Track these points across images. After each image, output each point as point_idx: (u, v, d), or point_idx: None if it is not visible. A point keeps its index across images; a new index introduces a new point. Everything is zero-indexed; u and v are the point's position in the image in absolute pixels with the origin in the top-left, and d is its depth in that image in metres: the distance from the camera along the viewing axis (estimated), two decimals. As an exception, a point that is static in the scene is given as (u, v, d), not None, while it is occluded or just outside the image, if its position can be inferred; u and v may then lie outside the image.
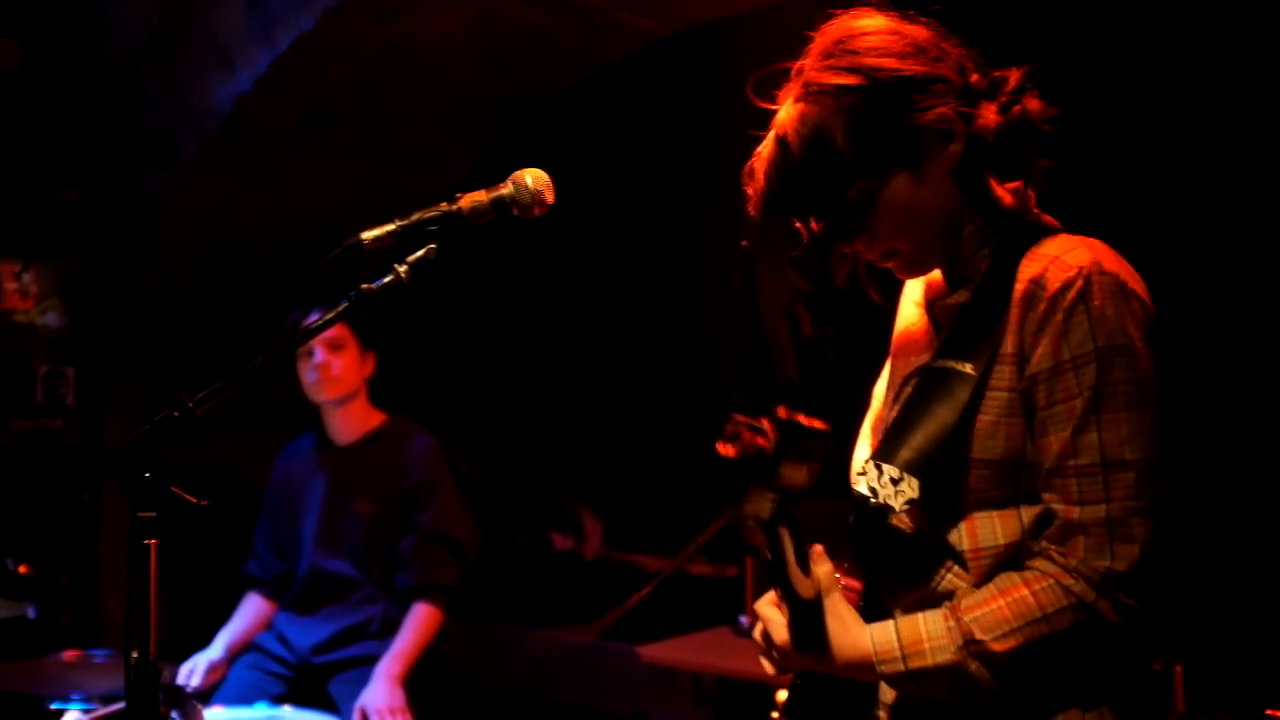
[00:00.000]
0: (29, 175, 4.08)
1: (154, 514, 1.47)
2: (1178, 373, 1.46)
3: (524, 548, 5.01)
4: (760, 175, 1.51)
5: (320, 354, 3.29)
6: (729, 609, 3.69)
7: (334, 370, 3.31)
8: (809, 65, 1.49)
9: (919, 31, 1.49)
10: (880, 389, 1.78)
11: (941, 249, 1.53)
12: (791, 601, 1.41)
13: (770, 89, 1.54)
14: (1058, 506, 1.41)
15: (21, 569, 3.11)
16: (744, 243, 1.58)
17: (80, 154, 4.18)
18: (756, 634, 1.54)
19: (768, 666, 1.53)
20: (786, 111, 1.49)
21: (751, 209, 1.53)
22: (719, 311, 4.44)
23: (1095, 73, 3.07)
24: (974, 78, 1.50)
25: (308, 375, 3.32)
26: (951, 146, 1.47)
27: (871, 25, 1.48)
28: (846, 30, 1.49)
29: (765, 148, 1.51)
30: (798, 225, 1.54)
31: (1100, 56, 3.14)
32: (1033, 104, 1.50)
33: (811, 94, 1.46)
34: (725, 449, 1.26)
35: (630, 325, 4.67)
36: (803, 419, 1.28)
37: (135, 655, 1.48)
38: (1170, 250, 2.81)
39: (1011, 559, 1.44)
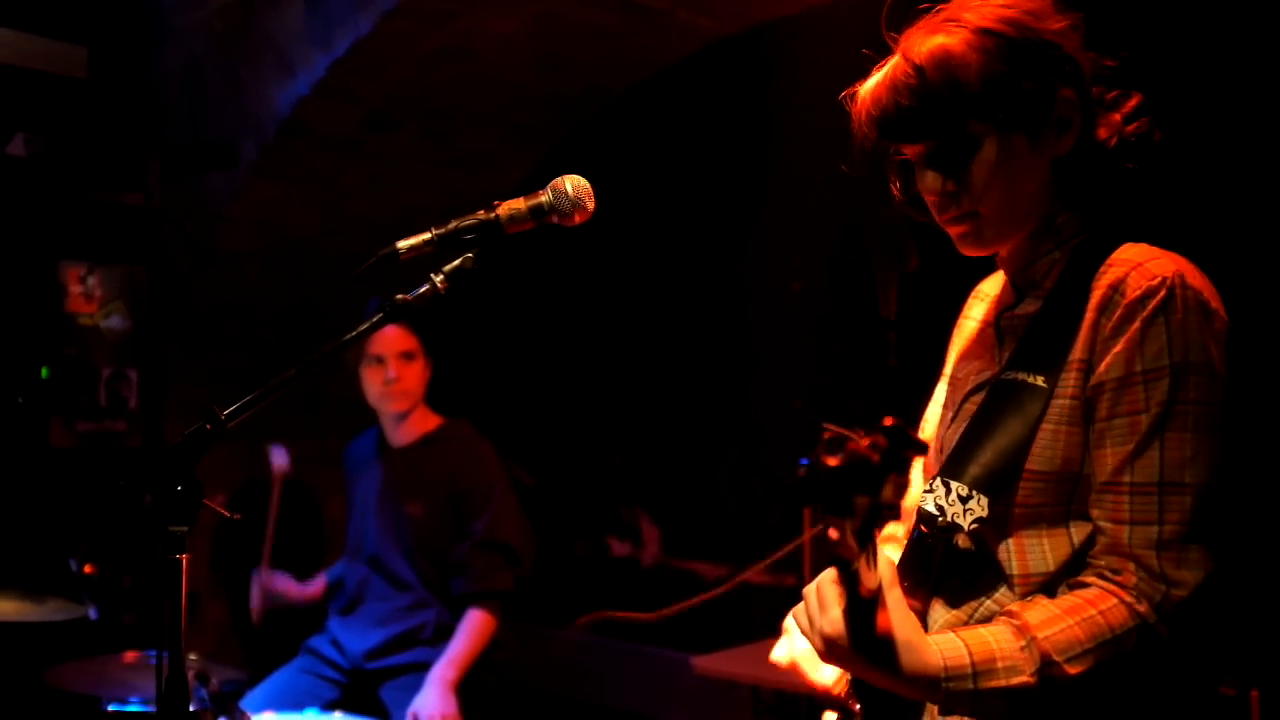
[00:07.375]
0: (95, 180, 4.13)
1: (186, 528, 1.46)
2: (1258, 385, 1.38)
3: (581, 553, 4.98)
4: (873, 98, 1.45)
5: (393, 369, 3.29)
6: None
7: (406, 384, 3.32)
8: (957, 4, 1.46)
9: (1068, 19, 1.46)
10: (934, 410, 1.72)
11: (1019, 229, 1.48)
12: (852, 597, 1.29)
13: (892, 27, 1.50)
14: (1105, 524, 1.35)
15: (87, 569, 3.13)
16: (843, 167, 1.53)
17: (144, 159, 4.22)
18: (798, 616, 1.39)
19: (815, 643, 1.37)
20: (921, 40, 1.43)
21: (861, 132, 1.49)
22: (778, 316, 4.39)
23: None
24: (1099, 87, 1.48)
25: (377, 386, 3.32)
26: (1065, 137, 1.44)
27: None
28: None
29: (887, 71, 1.45)
30: (904, 154, 1.50)
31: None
32: (1155, 132, 1.47)
33: (957, 27, 1.42)
34: (830, 459, 1.16)
35: (689, 330, 4.63)
36: (911, 430, 1.19)
37: (167, 665, 1.47)
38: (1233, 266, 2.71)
39: (1060, 584, 1.38)
